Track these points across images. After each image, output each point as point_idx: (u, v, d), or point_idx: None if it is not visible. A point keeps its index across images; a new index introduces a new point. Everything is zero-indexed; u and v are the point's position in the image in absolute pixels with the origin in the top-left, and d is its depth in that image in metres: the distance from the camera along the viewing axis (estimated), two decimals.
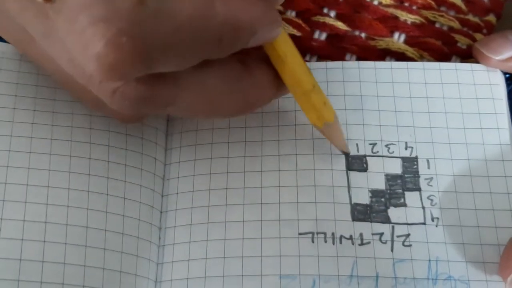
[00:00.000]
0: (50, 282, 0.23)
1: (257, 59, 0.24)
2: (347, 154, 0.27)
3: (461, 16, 0.32)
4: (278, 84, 0.24)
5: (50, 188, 0.25)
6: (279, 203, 0.26)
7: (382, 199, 0.26)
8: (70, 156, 0.25)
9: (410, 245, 0.25)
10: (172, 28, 0.19)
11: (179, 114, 0.23)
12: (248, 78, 0.23)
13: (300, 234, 0.26)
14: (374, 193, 0.27)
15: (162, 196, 0.27)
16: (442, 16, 0.31)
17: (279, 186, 0.27)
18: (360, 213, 0.26)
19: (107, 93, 0.21)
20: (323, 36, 0.31)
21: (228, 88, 0.23)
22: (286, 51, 0.24)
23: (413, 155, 0.27)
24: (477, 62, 0.29)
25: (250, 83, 0.23)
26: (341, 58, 0.31)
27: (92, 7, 0.18)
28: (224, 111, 0.24)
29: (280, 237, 0.26)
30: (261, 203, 0.26)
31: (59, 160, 0.25)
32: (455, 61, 0.31)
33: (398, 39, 0.31)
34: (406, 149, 0.27)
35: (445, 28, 0.31)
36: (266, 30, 0.22)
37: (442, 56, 0.31)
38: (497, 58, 0.28)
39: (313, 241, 0.26)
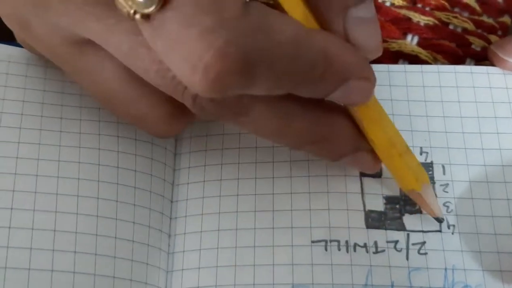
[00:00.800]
0: None
1: (341, 113, 0.24)
2: (440, 221, 0.25)
3: (475, 17, 0.31)
4: (359, 144, 0.24)
5: (59, 195, 0.24)
6: (291, 210, 0.26)
7: (397, 206, 0.26)
8: (79, 162, 0.25)
9: (425, 253, 0.25)
10: (274, 44, 0.19)
11: (248, 129, 0.23)
12: (327, 117, 0.23)
13: (313, 242, 0.25)
14: (389, 200, 0.26)
15: (172, 202, 0.27)
16: (455, 17, 0.31)
17: (291, 193, 0.26)
18: (374, 220, 0.26)
19: (191, 96, 0.21)
20: None
21: (303, 116, 0.22)
22: (378, 111, 0.23)
23: (428, 160, 0.27)
24: (492, 64, 0.29)
25: (327, 122, 0.23)
26: None
27: (197, 18, 0.18)
28: (292, 139, 0.23)
29: (292, 245, 0.25)
30: (273, 210, 0.26)
31: (68, 166, 0.25)
32: (469, 64, 0.30)
33: (411, 41, 0.30)
34: (421, 154, 0.27)
35: (459, 29, 0.31)
36: (357, 86, 0.21)
37: (456, 58, 0.30)
38: None
39: (326, 249, 0.25)
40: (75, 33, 0.21)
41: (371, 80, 0.22)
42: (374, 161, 0.25)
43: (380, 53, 0.22)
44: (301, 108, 0.22)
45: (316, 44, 0.20)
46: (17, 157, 0.24)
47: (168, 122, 0.23)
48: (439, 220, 0.25)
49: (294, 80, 0.20)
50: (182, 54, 0.18)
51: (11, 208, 0.23)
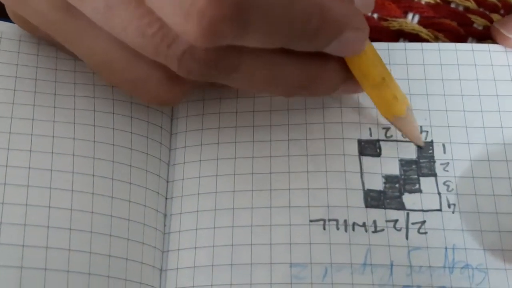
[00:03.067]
0: (54, 269, 0.22)
1: None
2: (419, 147, 0.26)
3: None
4: (346, 74, 0.24)
5: (53, 171, 0.24)
6: (289, 189, 0.26)
7: (396, 185, 0.25)
8: (74, 138, 0.25)
9: (425, 233, 0.25)
10: None
11: (239, 84, 0.23)
12: (316, 60, 0.23)
13: (311, 221, 0.25)
14: (388, 179, 0.26)
15: (168, 182, 0.26)
16: None
17: (288, 172, 0.26)
18: (374, 199, 0.25)
19: (176, 56, 0.20)
20: None
21: (294, 65, 0.22)
22: None
23: (428, 139, 0.26)
24: (494, 42, 0.28)
25: (317, 64, 0.23)
26: None
27: None
28: (284, 88, 0.23)
29: (290, 224, 0.25)
30: (270, 189, 0.26)
31: (62, 142, 0.24)
32: (471, 43, 0.30)
33: (412, 20, 0.30)
34: (421, 133, 0.26)
35: (460, 8, 0.30)
36: (351, 37, 0.22)
37: (457, 37, 0.30)
38: None
39: (324, 228, 0.25)
40: None
41: (364, 30, 0.22)
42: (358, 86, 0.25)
43: (372, 7, 0.23)
44: (290, 56, 0.22)
45: None
46: (10, 132, 0.24)
47: (169, 85, 0.22)
48: (418, 146, 0.26)
49: (289, 32, 0.20)
50: (174, 2, 0.18)
51: (4, 184, 0.23)
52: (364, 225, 0.25)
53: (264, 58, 0.22)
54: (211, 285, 0.24)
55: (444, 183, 0.26)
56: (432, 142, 0.26)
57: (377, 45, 0.28)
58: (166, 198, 0.26)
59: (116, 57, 0.22)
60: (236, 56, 0.21)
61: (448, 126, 0.26)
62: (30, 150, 0.24)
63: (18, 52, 0.26)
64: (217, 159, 0.26)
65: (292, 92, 0.24)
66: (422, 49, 0.28)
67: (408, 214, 0.25)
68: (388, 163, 0.26)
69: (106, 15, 0.20)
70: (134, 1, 0.19)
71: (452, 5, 0.30)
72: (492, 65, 0.28)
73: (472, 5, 0.30)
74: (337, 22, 0.21)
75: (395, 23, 0.30)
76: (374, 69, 0.24)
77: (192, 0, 0.18)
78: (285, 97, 0.26)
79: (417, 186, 0.25)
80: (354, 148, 0.26)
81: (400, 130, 0.26)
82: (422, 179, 0.26)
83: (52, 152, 0.24)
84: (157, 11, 0.19)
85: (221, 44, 0.19)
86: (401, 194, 0.25)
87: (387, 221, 0.25)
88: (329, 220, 0.25)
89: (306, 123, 0.27)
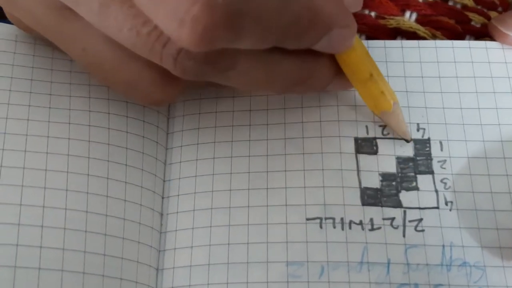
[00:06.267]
0: (49, 269, 0.22)
1: None
2: (407, 141, 0.26)
3: None
4: (336, 70, 0.24)
5: (48, 171, 0.24)
6: (286, 187, 0.25)
7: (393, 183, 0.25)
8: (69, 138, 0.25)
9: (422, 230, 0.24)
10: None
11: (235, 82, 0.23)
12: (309, 56, 0.23)
13: (307, 219, 0.25)
14: (385, 177, 0.25)
15: (164, 181, 0.26)
16: None
17: (285, 170, 0.26)
18: (370, 197, 0.25)
19: (171, 55, 0.20)
20: None
21: (289, 62, 0.23)
22: None
23: (426, 137, 0.26)
24: (492, 39, 0.28)
25: (310, 61, 0.23)
26: None
27: None
28: (280, 85, 0.23)
29: (287, 223, 0.25)
30: (267, 188, 0.26)
31: (57, 142, 0.24)
32: (469, 40, 0.30)
33: (409, 18, 0.30)
34: (418, 130, 0.26)
35: (458, 6, 0.30)
36: (340, 34, 0.22)
37: (455, 35, 0.30)
38: None
39: (321, 227, 0.25)
40: None
41: (352, 27, 0.23)
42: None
43: (360, 6, 0.23)
44: (284, 53, 0.22)
45: None
46: (5, 133, 0.24)
47: (162, 85, 0.22)
48: (406, 140, 0.26)
49: (280, 32, 0.20)
50: (168, 8, 0.18)
51: None
52: (361, 223, 0.25)
53: (260, 56, 0.22)
54: (208, 284, 0.24)
55: (441, 181, 0.25)
56: (429, 139, 0.26)
57: (373, 43, 0.28)
58: (162, 197, 0.26)
59: (108, 58, 0.22)
60: (232, 55, 0.21)
61: (445, 124, 0.26)
62: (25, 151, 0.24)
63: (14, 53, 0.26)
64: (214, 158, 0.26)
65: (287, 88, 0.24)
66: (419, 47, 0.28)
67: (405, 212, 0.25)
68: (385, 161, 0.26)
69: (101, 15, 0.20)
70: (129, 0, 0.19)
71: (450, 3, 0.30)
72: (489, 62, 0.27)
73: (470, 2, 0.30)
74: (326, 21, 0.21)
75: (393, 21, 0.30)
76: (362, 66, 0.24)
77: (186, 7, 0.18)
78: (280, 94, 0.26)
79: (414, 183, 0.25)
80: (350, 146, 0.26)
81: (388, 124, 0.26)
82: (419, 176, 0.26)
83: (47, 152, 0.24)
84: (150, 16, 0.19)
85: (214, 49, 0.19)
86: (398, 192, 0.25)
87: (384, 219, 0.25)
88: (326, 218, 0.25)
89: (302, 122, 0.27)
